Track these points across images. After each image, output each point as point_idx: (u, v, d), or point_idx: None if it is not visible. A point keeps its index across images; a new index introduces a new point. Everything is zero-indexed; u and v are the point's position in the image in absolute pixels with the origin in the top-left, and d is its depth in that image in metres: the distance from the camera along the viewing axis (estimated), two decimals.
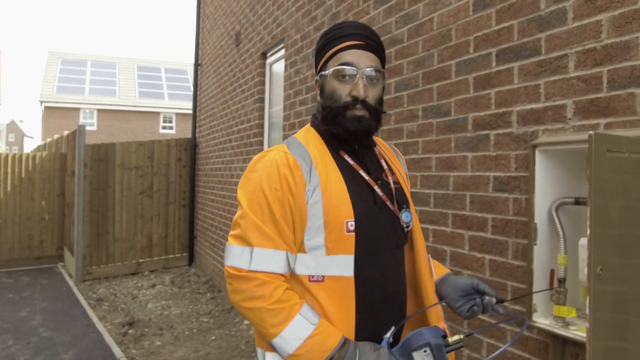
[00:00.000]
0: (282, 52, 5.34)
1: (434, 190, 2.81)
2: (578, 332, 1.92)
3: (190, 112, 28.82)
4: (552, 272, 2.09)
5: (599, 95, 1.91)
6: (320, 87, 1.51)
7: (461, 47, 2.63)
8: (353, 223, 1.40)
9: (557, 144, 2.01)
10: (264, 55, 5.96)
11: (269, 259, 1.35)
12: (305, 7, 4.66)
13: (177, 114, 29.55)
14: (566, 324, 1.98)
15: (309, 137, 1.51)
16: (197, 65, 9.02)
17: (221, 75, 7.56)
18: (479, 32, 2.50)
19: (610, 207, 1.49)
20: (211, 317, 5.92)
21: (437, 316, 1.55)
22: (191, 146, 8.92)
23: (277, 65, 5.69)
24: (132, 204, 8.35)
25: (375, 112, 1.46)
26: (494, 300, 1.50)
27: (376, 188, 1.49)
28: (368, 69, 1.43)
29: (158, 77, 31.16)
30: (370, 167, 1.54)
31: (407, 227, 1.53)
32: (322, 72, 1.49)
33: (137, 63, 32.25)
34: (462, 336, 1.32)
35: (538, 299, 2.09)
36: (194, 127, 9.06)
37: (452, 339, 1.31)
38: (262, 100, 6.00)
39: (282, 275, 1.37)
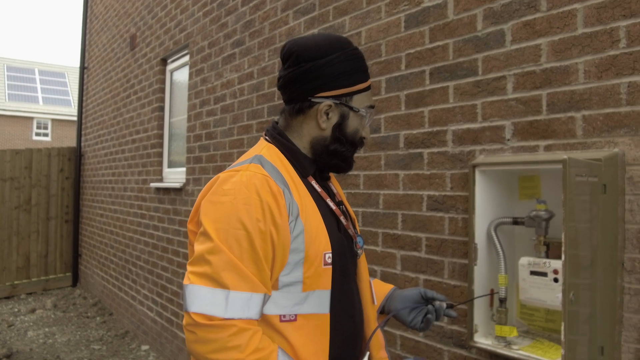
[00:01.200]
0: (186, 58, 5.06)
1: (362, 208, 2.75)
2: (521, 351, 1.93)
3: (69, 118, 26.95)
4: (492, 291, 2.09)
5: (538, 118, 1.95)
6: (340, 119, 1.35)
7: (392, 64, 2.60)
8: (330, 255, 1.28)
9: (497, 165, 2.02)
10: (164, 62, 5.62)
11: (246, 304, 1.16)
12: (214, 13, 4.44)
13: (54, 120, 27.30)
14: (508, 344, 1.99)
15: (274, 157, 1.34)
16: (83, 68, 8.36)
17: (113, 80, 7.04)
18: (411, 49, 2.48)
19: (576, 230, 1.50)
20: (103, 343, 5.43)
21: (378, 345, 1.47)
22: (76, 156, 8.22)
23: (180, 73, 5.38)
24: (6, 219, 7.49)
25: None
26: (444, 304, 1.48)
27: (342, 218, 1.40)
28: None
29: (31, 79, 28.59)
30: (329, 193, 1.45)
31: (361, 252, 1.46)
32: (347, 104, 1.35)
33: (7, 63, 29.32)
34: None
35: (478, 319, 2.09)
36: (79, 136, 8.36)
37: None
38: (161, 109, 5.64)
39: (256, 320, 1.20)
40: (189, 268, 1.20)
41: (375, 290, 1.57)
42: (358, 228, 1.53)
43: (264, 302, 1.20)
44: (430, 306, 1.47)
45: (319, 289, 1.26)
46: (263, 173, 1.23)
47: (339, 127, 1.35)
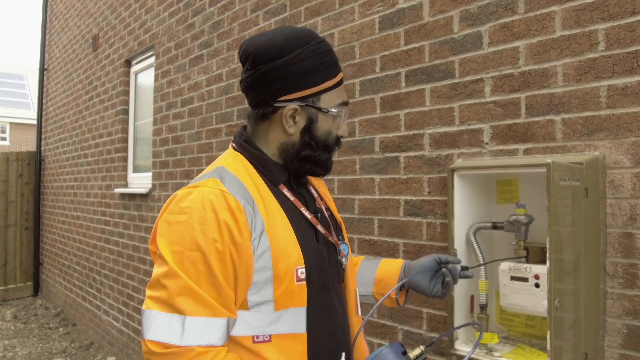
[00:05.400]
0: (152, 60, 4.91)
1: None
2: (504, 358, 1.90)
3: (29, 121, 26.13)
4: (472, 298, 2.06)
5: (517, 121, 1.92)
6: (308, 122, 1.25)
7: (366, 66, 2.55)
8: (304, 270, 1.19)
9: (477, 169, 1.99)
10: (128, 63, 5.46)
11: (205, 330, 1.07)
12: (180, 13, 4.32)
13: (12, 124, 26.40)
14: (489, 350, 1.96)
15: (239, 167, 1.25)
16: (42, 69, 8.07)
17: (74, 82, 6.81)
18: (386, 51, 2.44)
19: (560, 234, 1.47)
20: (67, 355, 5.22)
21: (361, 357, 1.41)
22: (36, 161, 7.92)
23: (145, 75, 5.23)
24: None
25: None
26: (458, 267, 1.43)
27: (319, 227, 1.31)
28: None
29: None
30: (307, 199, 1.36)
31: (346, 260, 1.38)
32: (314, 105, 1.24)
33: None
34: (423, 348, 1.20)
35: None
36: (39, 140, 8.06)
37: (413, 353, 1.18)
38: (125, 112, 5.47)
39: (220, 346, 1.11)
40: (147, 292, 1.12)
41: (385, 269, 1.52)
42: (345, 234, 1.45)
43: (229, 327, 1.12)
44: (444, 269, 1.41)
45: (293, 306, 1.18)
46: (221, 189, 1.14)
47: (308, 130, 1.25)
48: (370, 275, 1.52)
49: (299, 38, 1.23)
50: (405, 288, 1.50)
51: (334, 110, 1.26)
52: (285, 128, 1.24)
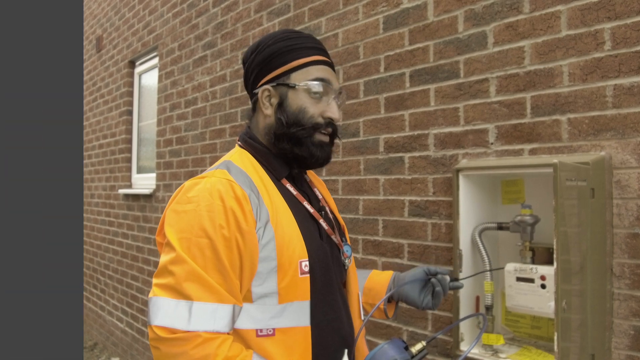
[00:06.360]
0: (155, 60, 4.92)
1: (341, 214, 2.68)
2: (509, 359, 1.89)
3: None
4: (478, 298, 2.05)
5: (522, 121, 1.91)
6: (280, 100, 1.27)
7: (370, 66, 2.54)
8: (307, 263, 1.20)
9: (482, 169, 1.98)
10: (132, 64, 5.46)
11: (212, 316, 1.09)
12: (184, 14, 4.32)
13: None
14: (495, 352, 1.95)
15: (245, 162, 1.28)
16: None
17: None
18: (391, 51, 2.43)
19: (566, 235, 1.47)
20: None
21: (362, 357, 1.41)
22: None
23: (149, 75, 5.23)
24: None
25: (334, 138, 1.32)
26: (447, 277, 1.44)
27: (321, 222, 1.33)
28: (339, 89, 1.29)
29: None
30: (311, 198, 1.37)
31: (349, 262, 1.38)
32: (284, 82, 1.26)
33: None
34: (424, 343, 1.21)
35: (464, 328, 2.04)
36: None
37: (415, 348, 1.19)
38: (129, 112, 5.48)
39: (226, 333, 1.12)
40: (154, 280, 1.14)
41: (375, 279, 1.52)
42: (348, 237, 1.46)
43: (235, 314, 1.13)
44: (434, 279, 1.43)
45: (297, 300, 1.18)
46: (228, 178, 1.17)
47: (280, 107, 1.27)
48: (360, 284, 1.52)
49: (276, 33, 1.32)
50: (395, 300, 1.50)
51: (303, 83, 1.25)
52: (263, 110, 1.29)
